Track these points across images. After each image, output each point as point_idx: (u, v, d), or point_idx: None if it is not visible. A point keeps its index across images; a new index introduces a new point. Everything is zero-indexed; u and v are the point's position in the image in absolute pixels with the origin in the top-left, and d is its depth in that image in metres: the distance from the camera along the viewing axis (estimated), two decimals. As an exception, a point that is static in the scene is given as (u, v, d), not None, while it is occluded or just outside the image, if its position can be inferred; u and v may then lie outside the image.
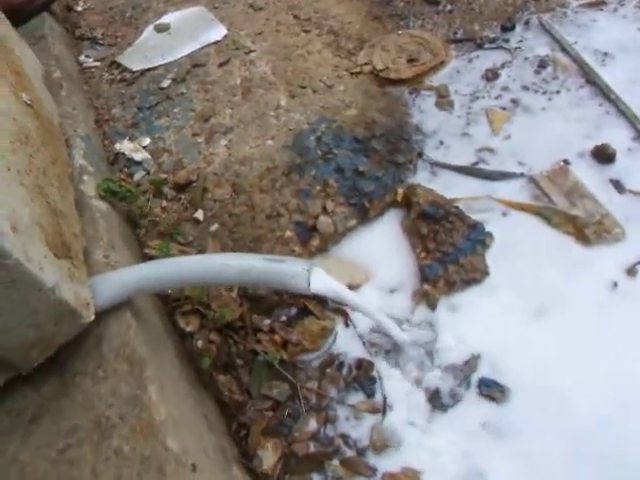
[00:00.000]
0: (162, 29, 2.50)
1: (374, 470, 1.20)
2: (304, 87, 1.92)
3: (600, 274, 1.38)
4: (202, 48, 2.29)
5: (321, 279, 1.12)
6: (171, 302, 1.42)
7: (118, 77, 2.29)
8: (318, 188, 1.60)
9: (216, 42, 2.30)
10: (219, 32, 2.35)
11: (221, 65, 2.14)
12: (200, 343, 1.36)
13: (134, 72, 2.27)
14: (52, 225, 1.14)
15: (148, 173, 1.77)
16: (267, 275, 1.10)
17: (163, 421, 0.98)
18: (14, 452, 0.99)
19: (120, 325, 1.13)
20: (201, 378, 1.32)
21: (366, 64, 1.98)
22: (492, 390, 1.26)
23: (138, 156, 1.82)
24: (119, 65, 2.34)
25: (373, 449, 1.23)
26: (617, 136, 1.62)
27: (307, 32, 2.18)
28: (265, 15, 2.36)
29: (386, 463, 1.21)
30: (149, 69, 2.26)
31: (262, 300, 1.44)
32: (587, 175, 1.56)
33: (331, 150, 1.68)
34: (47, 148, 1.40)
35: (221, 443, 1.19)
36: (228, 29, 2.35)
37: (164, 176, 1.74)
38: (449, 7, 2.16)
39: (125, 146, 1.87)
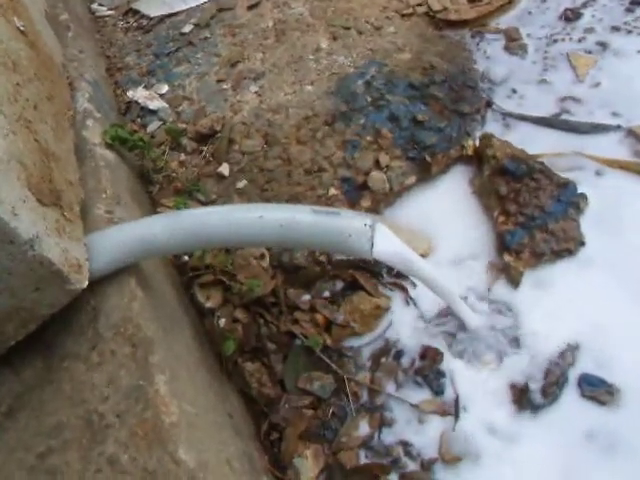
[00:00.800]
0: (186, -26, 2.22)
1: (445, 490, 0.93)
2: (348, 28, 1.64)
3: None
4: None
5: (388, 240, 0.85)
6: (188, 271, 1.16)
7: (134, 24, 2.04)
8: (369, 139, 1.32)
9: (246, -16, 2.02)
10: (250, -27, 2.07)
11: (250, 8, 1.86)
12: (223, 322, 1.11)
13: (152, 18, 2.01)
14: (39, 167, 0.89)
15: (165, 123, 1.51)
16: (317, 232, 0.83)
17: (174, 423, 0.72)
18: (-19, 454, 0.75)
19: (122, 295, 0.87)
20: (224, 366, 1.06)
21: (419, 4, 1.69)
22: (598, 390, 0.98)
23: (154, 104, 1.56)
24: (136, 12, 2.08)
25: (443, 461, 0.96)
26: None
27: (352, -29, 1.88)
28: (301, -45, 2.07)
29: (460, 480, 0.93)
30: (169, 15, 2.00)
31: (300, 271, 1.17)
32: None
33: (383, 96, 1.40)
34: (43, 83, 1.16)
35: (248, 450, 0.93)
36: (259, -29, 2.06)
37: (183, 126, 1.47)
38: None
39: (139, 94, 1.61)
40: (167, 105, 1.56)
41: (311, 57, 1.57)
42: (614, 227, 1.16)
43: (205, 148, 1.41)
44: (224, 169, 1.35)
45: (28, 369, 0.85)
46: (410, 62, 1.50)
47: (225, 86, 1.57)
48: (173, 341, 0.89)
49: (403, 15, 1.68)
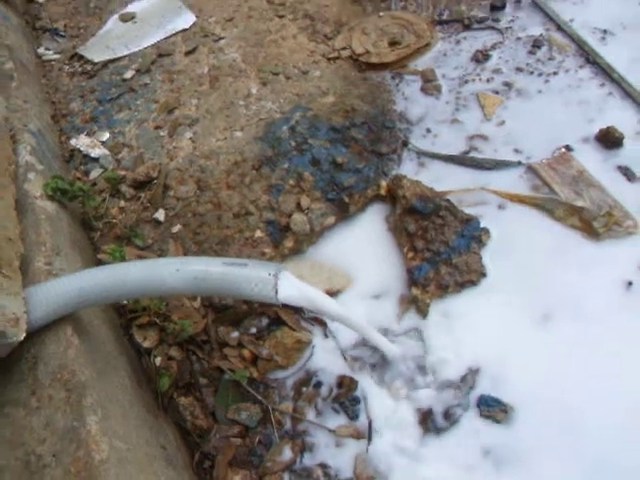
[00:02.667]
0: (127, 18, 2.32)
1: (358, 508, 1.03)
2: (277, 74, 1.75)
3: (612, 273, 1.22)
4: (169, 37, 2.12)
5: (292, 285, 0.95)
6: (127, 313, 1.25)
7: (79, 70, 2.11)
8: (292, 182, 1.43)
9: (184, 30, 2.13)
10: (187, 20, 2.18)
11: (188, 53, 1.96)
12: (159, 360, 1.19)
13: (96, 64, 2.09)
14: (-26, 228, 0.97)
15: (106, 171, 1.60)
16: (225, 282, 0.93)
17: (103, 460, 0.81)
18: None
19: (59, 344, 0.96)
20: (159, 401, 1.15)
21: (344, 48, 1.82)
22: (494, 410, 1.09)
23: (95, 152, 1.64)
24: (81, 57, 2.16)
25: (357, 482, 1.06)
26: (623, 118, 1.47)
27: (281, 17, 2.01)
28: (237, 1, 2.18)
29: (372, 499, 1.04)
30: (112, 60, 2.09)
31: (229, 310, 1.27)
32: (592, 162, 1.40)
33: (306, 140, 1.51)
34: (-18, 143, 1.23)
35: (180, 479, 1.01)
36: (197, 16, 2.18)
37: (122, 173, 1.56)
38: (434, -13, 2.01)
39: (82, 141, 1.69)
40: (108, 152, 1.65)
41: (242, 103, 1.68)
42: (514, 258, 1.29)
43: (143, 194, 1.50)
44: (160, 215, 1.44)
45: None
46: (333, 105, 1.62)
47: (162, 133, 1.67)
48: (107, 382, 0.98)
49: (329, 59, 1.81)
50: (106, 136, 1.72)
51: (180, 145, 1.60)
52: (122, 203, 1.50)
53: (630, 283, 1.21)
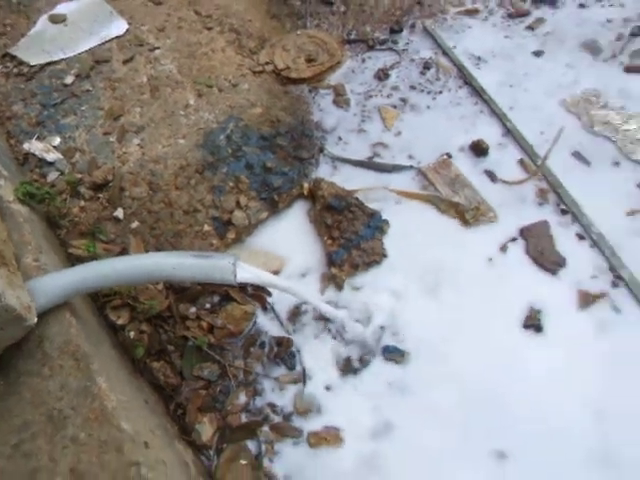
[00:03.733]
0: (57, 20, 2.46)
1: (300, 431, 1.40)
2: (210, 86, 2.03)
3: (479, 251, 1.66)
4: (103, 43, 2.30)
5: (246, 270, 1.28)
6: (101, 298, 1.52)
7: (14, 71, 2.24)
8: (231, 184, 1.74)
9: (118, 37, 2.32)
10: (120, 26, 2.36)
11: (126, 62, 2.18)
12: (132, 334, 1.48)
13: (32, 66, 2.23)
14: (-17, 235, 1.21)
15: (62, 173, 1.81)
16: (197, 271, 1.24)
17: (115, 407, 1.10)
18: (-34, 456, 1.06)
19: (61, 324, 1.22)
20: (136, 367, 1.45)
21: (267, 63, 2.12)
22: (394, 354, 1.49)
23: (50, 156, 1.85)
24: (13, 57, 2.28)
25: (297, 414, 1.43)
26: (490, 132, 1.90)
27: (209, 29, 2.27)
28: (166, 10, 2.41)
29: (310, 424, 1.42)
30: (49, 63, 2.24)
31: (187, 291, 1.58)
32: (466, 167, 1.83)
33: (240, 148, 1.82)
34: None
35: (163, 423, 1.33)
36: (129, 23, 2.37)
37: (79, 176, 1.79)
38: (343, 8, 2.35)
39: (35, 146, 1.89)
40: (62, 157, 1.86)
41: (182, 113, 1.95)
42: (408, 242, 1.69)
43: (101, 195, 1.74)
44: (119, 213, 1.70)
45: (-9, 387, 1.18)
46: (261, 116, 1.94)
47: (111, 139, 1.90)
48: (101, 353, 1.27)
49: (255, 72, 2.11)
50: (57, 141, 1.93)
51: (130, 150, 1.86)
52: (82, 203, 1.74)
53: (490, 259, 1.65)
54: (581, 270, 1.63)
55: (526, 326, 1.53)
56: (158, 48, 2.21)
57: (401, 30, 2.24)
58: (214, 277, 1.25)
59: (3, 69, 2.26)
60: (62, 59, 2.25)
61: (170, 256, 1.27)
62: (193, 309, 1.56)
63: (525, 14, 2.30)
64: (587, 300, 1.58)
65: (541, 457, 1.36)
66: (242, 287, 1.58)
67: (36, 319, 1.17)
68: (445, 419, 1.42)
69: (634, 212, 1.74)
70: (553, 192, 1.77)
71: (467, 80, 2.05)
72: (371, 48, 2.19)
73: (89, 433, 1.08)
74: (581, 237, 1.69)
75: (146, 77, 2.10)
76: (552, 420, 1.40)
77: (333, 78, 2.11)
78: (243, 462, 1.37)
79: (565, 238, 1.69)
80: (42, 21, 2.46)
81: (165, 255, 1.28)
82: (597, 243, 1.66)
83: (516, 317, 1.55)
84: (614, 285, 1.60)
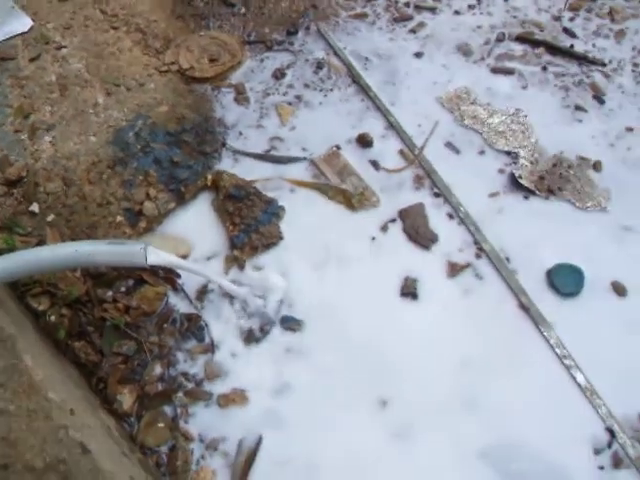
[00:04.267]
0: (-42, 15, 2.47)
1: (210, 395, 1.61)
2: (118, 85, 2.17)
3: (364, 232, 1.91)
4: (8, 39, 2.35)
5: (156, 254, 1.47)
6: (20, 287, 1.66)
7: None
8: (140, 178, 1.91)
9: (22, 34, 2.38)
10: (24, 23, 2.41)
11: (32, 60, 2.26)
12: (53, 318, 1.63)
13: None
14: None
15: (-26, 171, 1.91)
16: (112, 256, 1.42)
17: (42, 379, 1.27)
18: None
19: (-16, 310, 1.37)
20: (59, 348, 1.61)
21: (173, 63, 2.28)
22: (291, 324, 1.73)
23: (-40, 154, 1.93)
24: None
25: (207, 380, 1.64)
26: (374, 126, 2.16)
27: (115, 29, 2.39)
28: (71, 7, 2.49)
29: (219, 388, 1.63)
30: (-49, 60, 2.28)
31: (103, 276, 1.74)
32: (353, 157, 2.08)
33: (149, 144, 1.99)
34: None
35: (86, 395, 1.50)
36: (33, 20, 2.42)
37: (-8, 173, 1.90)
38: (243, 10, 2.53)
39: (-56, 145, 1.96)
40: (-27, 155, 1.95)
41: (91, 111, 2.08)
42: (301, 225, 1.92)
43: (15, 191, 1.86)
44: (34, 207, 1.83)
45: None
46: (167, 114, 2.10)
47: (23, 136, 2.01)
48: (25, 334, 1.42)
49: (161, 72, 2.26)
50: (-35, 139, 2.01)
51: (42, 148, 1.97)
52: (-3, 199, 1.85)
53: (373, 238, 1.92)
54: (450, 244, 1.90)
55: (403, 294, 1.80)
56: (65, 47, 2.30)
57: (297, 32, 2.45)
58: (127, 261, 1.44)
59: None
60: (-35, 56, 2.29)
61: (87, 244, 1.44)
62: (110, 293, 1.73)
63: (408, 19, 2.57)
64: (455, 269, 1.86)
65: (416, 401, 1.62)
66: (154, 271, 1.77)
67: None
68: (335, 377, 1.65)
69: (495, 194, 2.06)
70: (428, 178, 2.06)
71: (355, 79, 2.30)
72: (269, 49, 2.39)
73: (18, 405, 1.22)
74: (451, 216, 1.98)
75: (54, 75, 2.20)
76: (426, 370, 1.66)
77: (234, 77, 2.30)
78: (161, 425, 1.57)
79: (437, 217, 1.96)
80: (-60, 16, 2.45)
81: (82, 243, 1.44)
82: (464, 221, 1.95)
83: (395, 286, 1.81)
84: (477, 256, 1.88)
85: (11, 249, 1.65)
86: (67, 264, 1.41)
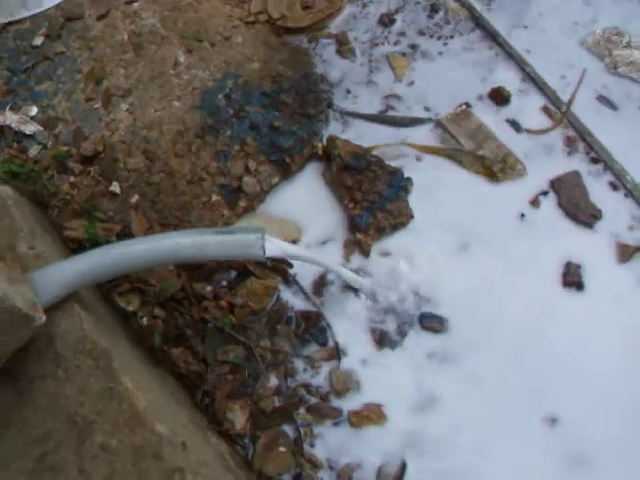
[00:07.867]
0: (16, -26, 2.21)
1: (340, 411, 1.30)
2: (200, 40, 1.84)
3: (510, 208, 1.54)
4: (71, -3, 2.08)
5: (274, 244, 1.15)
6: (105, 284, 1.37)
7: (-27, 32, 2.02)
8: (236, 148, 1.59)
9: (87, -10, 2.09)
10: (88, -22, 2.13)
11: (100, 18, 1.96)
12: (145, 320, 1.35)
13: (-7, 26, 2.01)
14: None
15: (45, 147, 1.63)
16: (222, 249, 1.10)
17: (146, 407, 0.98)
18: (-21, 478, 0.95)
19: (71, 320, 1.08)
20: (154, 355, 1.32)
21: (260, 12, 1.93)
22: (432, 322, 1.39)
23: (29, 128, 1.66)
24: (-32, 18, 2.05)
25: (335, 393, 1.33)
26: (508, 78, 1.76)
27: (190, -23, 2.05)
28: (138, -42, 2.17)
29: (349, 403, 1.32)
30: (10, 23, 2.02)
31: (200, 268, 1.44)
32: (487, 116, 1.69)
33: (243, 107, 1.65)
34: None
35: (191, 415, 1.21)
36: (98, -26, 2.13)
37: (65, 148, 1.61)
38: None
39: (10, 118, 1.69)
40: (42, 128, 1.67)
41: (172, 72, 1.76)
42: (433, 201, 1.56)
43: (92, 169, 1.57)
44: (115, 187, 1.53)
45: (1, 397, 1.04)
46: (260, 71, 1.76)
47: (96, 105, 1.71)
48: (119, 347, 1.13)
49: (247, 23, 1.92)
50: (34, 110, 1.73)
51: (118, 117, 1.67)
52: (72, 179, 1.56)
53: (523, 215, 1.54)
54: (617, 222, 1.53)
55: (567, 283, 1.44)
56: (136, 0, 1.99)
57: (401, -30, 2.05)
58: (241, 254, 1.12)
59: (-42, 29, 2.02)
60: (26, 17, 2.02)
61: (190, 235, 1.13)
62: (209, 288, 1.42)
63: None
64: (626, 253, 1.49)
65: (591, 421, 1.29)
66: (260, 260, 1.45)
67: (44, 317, 1.02)
68: (489, 388, 1.34)
69: (666, 156, 1.64)
70: (581, 140, 1.65)
71: (478, 22, 1.90)
72: (370, -9, 2.00)
73: (120, 439, 0.96)
74: (615, 186, 1.58)
75: (126, 34, 1.89)
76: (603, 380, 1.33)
77: (334, 26, 1.93)
78: (282, 449, 1.27)
79: (598, 188, 1.58)
80: (-3, -23, 2.20)
81: (184, 234, 1.13)
82: (632, 192, 1.56)
83: (556, 274, 1.46)
84: (653, 236, 1.50)
85: (93, 239, 1.36)
86: (167, 260, 1.10)
